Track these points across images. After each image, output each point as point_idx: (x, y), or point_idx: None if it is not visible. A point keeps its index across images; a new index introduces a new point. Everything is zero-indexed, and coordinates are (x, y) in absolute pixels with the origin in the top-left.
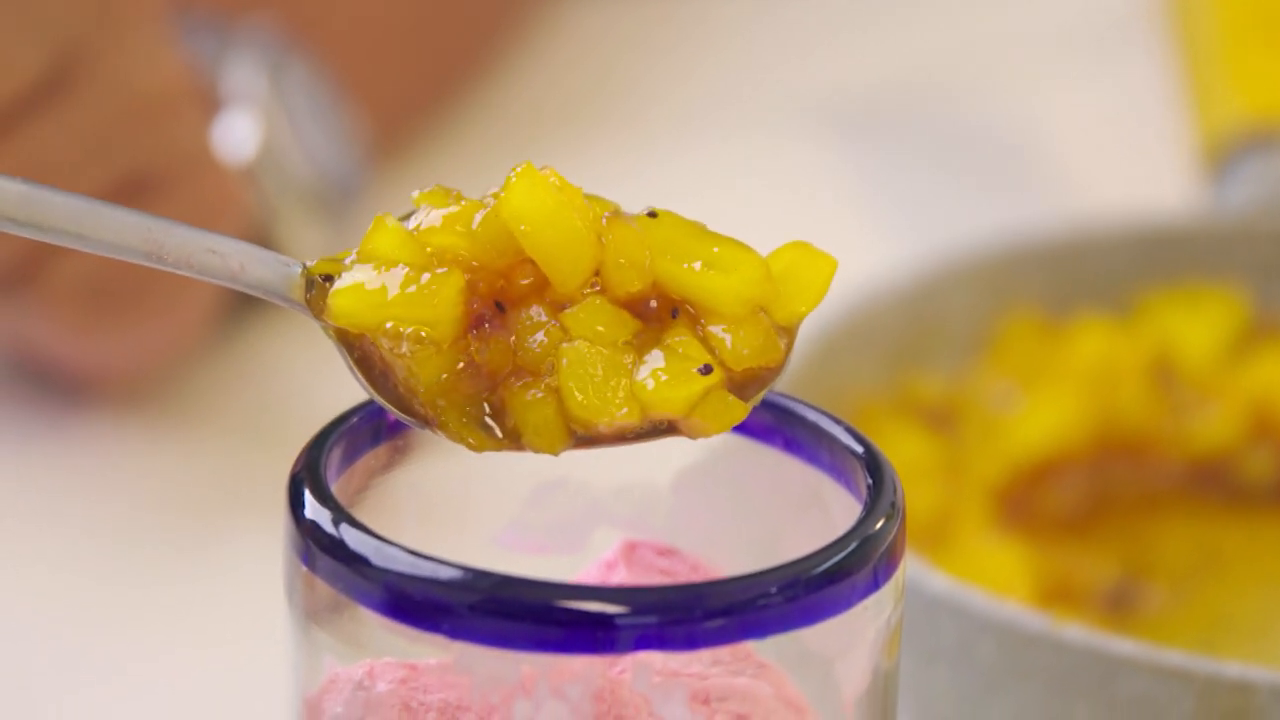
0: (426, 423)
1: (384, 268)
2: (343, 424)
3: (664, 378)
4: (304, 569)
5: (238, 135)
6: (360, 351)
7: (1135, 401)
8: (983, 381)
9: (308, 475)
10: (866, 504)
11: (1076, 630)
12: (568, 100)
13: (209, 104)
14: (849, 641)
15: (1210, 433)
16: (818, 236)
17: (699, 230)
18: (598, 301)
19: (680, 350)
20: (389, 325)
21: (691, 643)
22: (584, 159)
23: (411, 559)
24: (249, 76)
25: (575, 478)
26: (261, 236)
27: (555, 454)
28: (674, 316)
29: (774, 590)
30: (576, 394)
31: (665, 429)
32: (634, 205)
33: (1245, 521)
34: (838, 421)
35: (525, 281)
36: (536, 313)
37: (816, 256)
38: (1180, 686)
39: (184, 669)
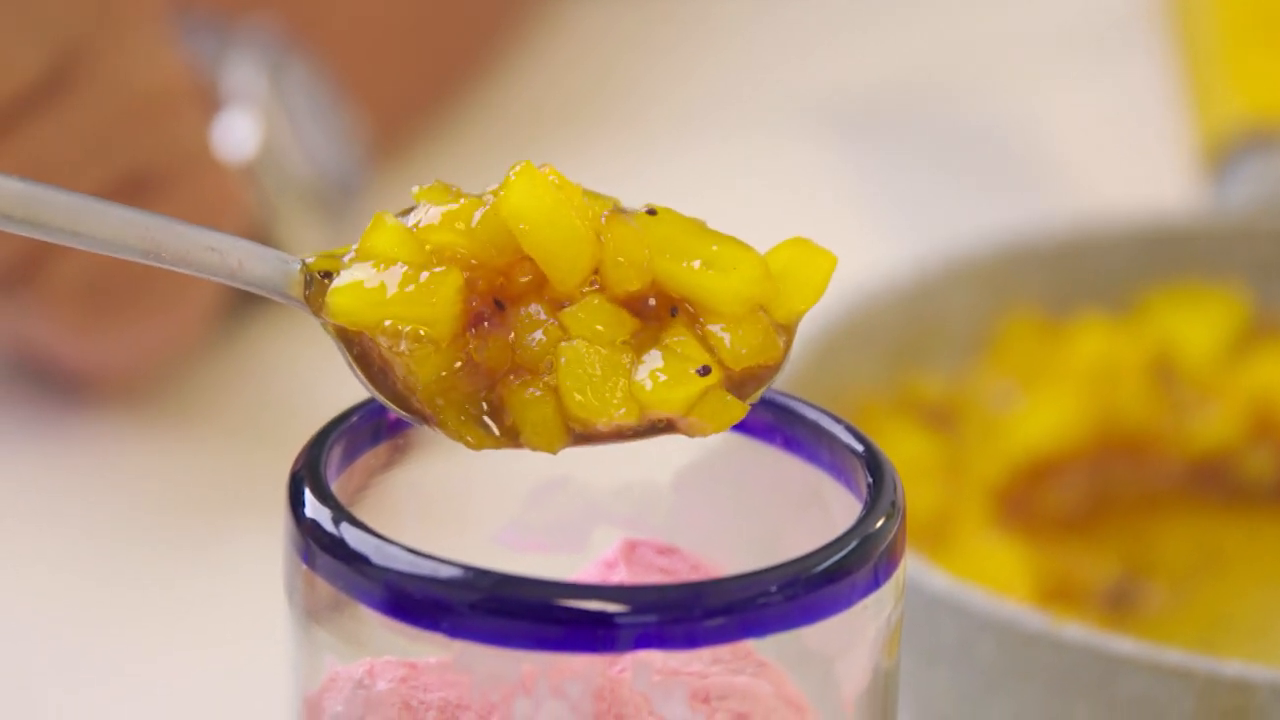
0: (425, 419)
1: (383, 266)
2: (343, 423)
3: (662, 378)
4: (304, 568)
5: (238, 135)
6: (359, 348)
7: (1135, 401)
8: (983, 381)
9: (308, 474)
10: (867, 503)
11: (1076, 629)
12: (568, 100)
13: (209, 103)
14: (849, 640)
15: (1210, 432)
16: (818, 236)
17: (698, 228)
18: (596, 300)
19: (679, 350)
20: (388, 323)
21: (691, 641)
22: (584, 158)
23: (412, 558)
24: (249, 76)
25: (575, 477)
26: (261, 236)
27: (553, 452)
28: (673, 315)
29: (774, 589)
30: (575, 393)
31: (664, 427)
32: (634, 205)
33: (1245, 521)
34: (838, 420)
35: (524, 279)
36: (535, 311)
37: (816, 253)
38: (1180, 686)
39: (184, 668)
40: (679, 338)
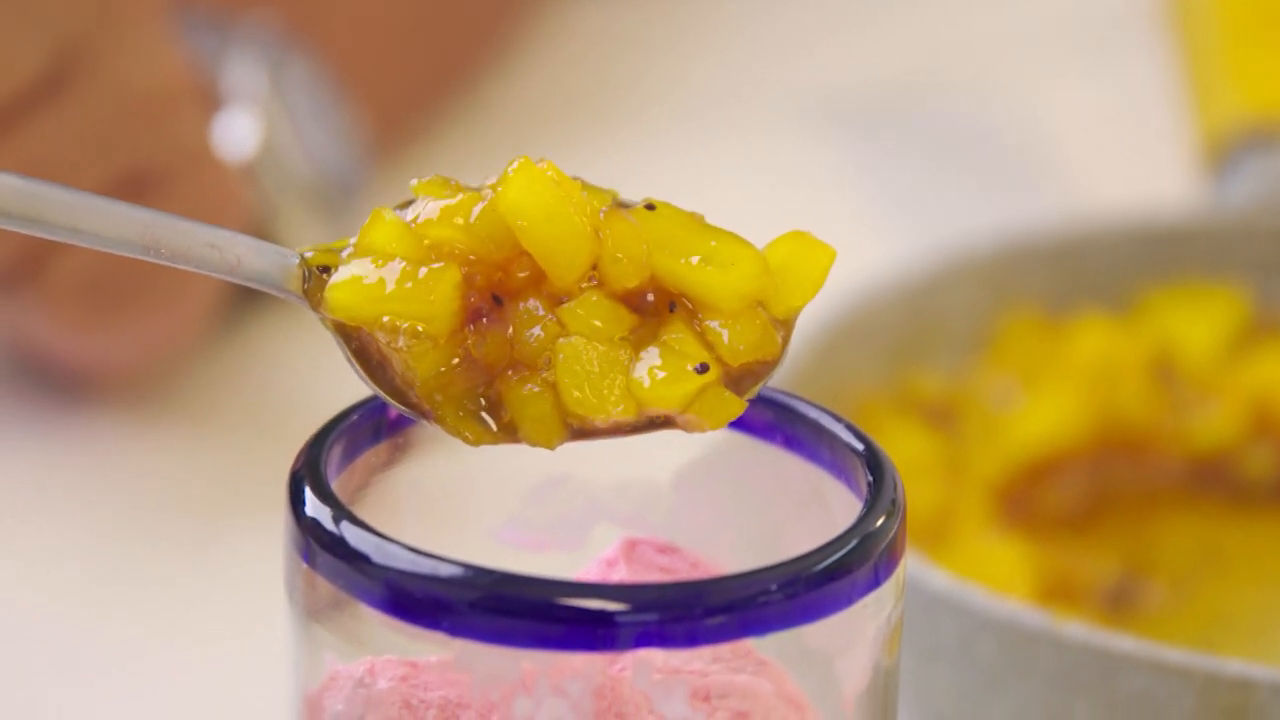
0: (423, 415)
1: (381, 261)
2: (343, 421)
3: (660, 375)
4: (304, 566)
5: (238, 133)
6: (358, 343)
7: (1135, 399)
8: (983, 379)
9: (308, 472)
10: (867, 501)
11: (1077, 628)
12: (568, 98)
13: (209, 102)
14: (849, 639)
15: (1210, 430)
16: (819, 234)
17: (697, 224)
18: (595, 296)
19: (677, 347)
20: (386, 320)
21: (692, 640)
22: (584, 157)
23: (412, 556)
24: (249, 74)
25: (575, 475)
26: (261, 234)
27: (551, 448)
28: (671, 310)
29: (774, 587)
30: (573, 390)
31: (662, 423)
32: (633, 201)
33: (1245, 519)
34: (838, 419)
35: (522, 274)
36: (534, 306)
37: (814, 246)
38: (1180, 684)
39: (184, 666)
40: (677, 335)
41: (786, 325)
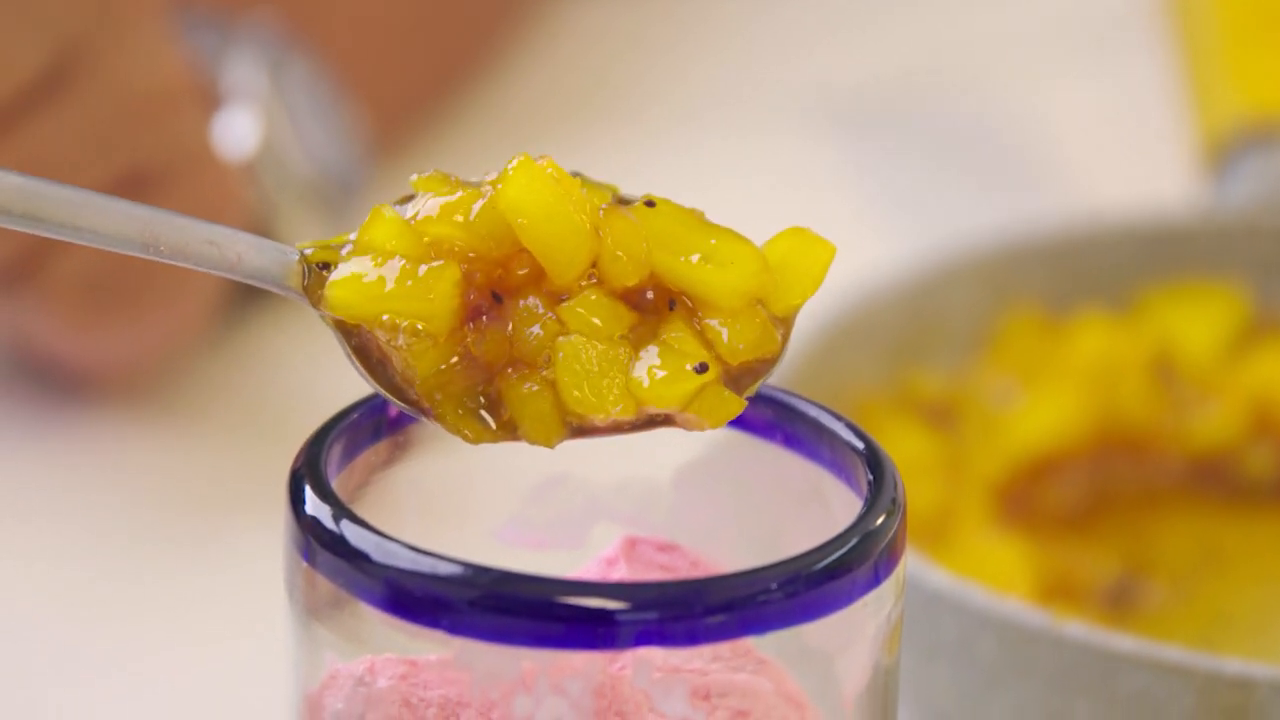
0: (423, 412)
1: (380, 259)
2: (343, 420)
3: (660, 375)
4: (304, 565)
5: (238, 132)
6: (358, 340)
7: (1136, 398)
8: (983, 378)
9: (308, 471)
10: (867, 500)
11: (1077, 627)
12: (568, 97)
13: (209, 101)
14: (849, 637)
15: (1211, 429)
16: (819, 233)
17: (697, 221)
18: (594, 294)
19: (676, 346)
20: (385, 318)
21: (692, 638)
22: (584, 156)
23: (412, 555)
24: (249, 73)
25: (576, 473)
26: (261, 233)
27: (551, 446)
28: (671, 308)
29: (774, 586)
30: (573, 389)
31: (661, 421)
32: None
33: (1245, 518)
34: (838, 417)
35: (522, 272)
36: (533, 304)
37: (814, 242)
38: (1180, 683)
39: (184, 665)
40: (676, 333)
41: (786, 323)
